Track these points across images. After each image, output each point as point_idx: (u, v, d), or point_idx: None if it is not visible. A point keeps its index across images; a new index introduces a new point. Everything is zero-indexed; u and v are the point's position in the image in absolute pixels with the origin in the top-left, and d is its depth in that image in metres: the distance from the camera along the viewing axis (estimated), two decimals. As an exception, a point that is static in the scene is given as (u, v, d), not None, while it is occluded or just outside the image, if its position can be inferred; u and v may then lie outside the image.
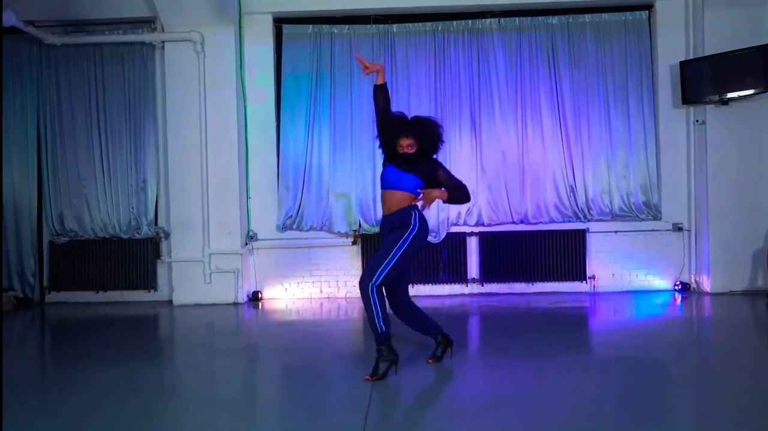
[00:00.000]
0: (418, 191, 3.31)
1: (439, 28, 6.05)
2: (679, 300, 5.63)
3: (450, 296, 6.03)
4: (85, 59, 6.01)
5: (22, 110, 6.03)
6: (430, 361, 3.49)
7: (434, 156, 3.41)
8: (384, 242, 3.31)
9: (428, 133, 3.33)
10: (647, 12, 5.99)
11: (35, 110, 6.04)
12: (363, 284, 3.18)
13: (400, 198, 3.34)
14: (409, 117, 3.41)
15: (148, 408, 3.00)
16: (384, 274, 3.16)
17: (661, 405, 2.82)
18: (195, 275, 5.81)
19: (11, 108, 6.01)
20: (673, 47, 5.88)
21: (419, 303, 5.62)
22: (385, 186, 3.40)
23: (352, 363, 3.65)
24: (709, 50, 5.55)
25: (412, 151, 3.30)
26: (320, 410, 2.88)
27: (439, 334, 3.56)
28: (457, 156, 5.99)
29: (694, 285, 5.91)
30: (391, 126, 3.35)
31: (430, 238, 5.91)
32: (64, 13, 5.87)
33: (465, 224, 6.03)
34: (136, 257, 6.06)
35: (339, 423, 2.71)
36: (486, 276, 6.01)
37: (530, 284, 6.02)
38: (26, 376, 3.68)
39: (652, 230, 5.97)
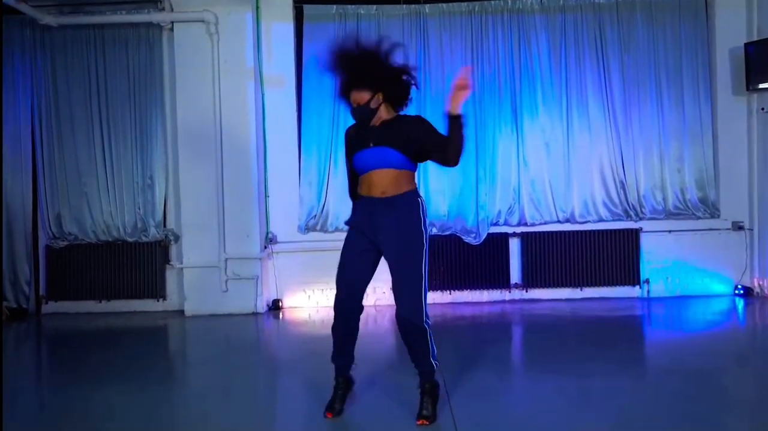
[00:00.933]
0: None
1: (476, 9, 5.51)
2: (742, 306, 5.15)
3: (490, 302, 5.52)
4: (85, 43, 5.41)
5: (14, 100, 5.42)
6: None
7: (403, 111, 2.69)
8: (403, 254, 2.58)
9: (384, 76, 2.57)
10: (704, -10, 5.50)
11: (29, 100, 5.44)
12: (418, 320, 2.52)
13: (396, 176, 2.61)
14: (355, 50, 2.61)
15: None
16: (427, 298, 2.59)
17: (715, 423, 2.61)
18: (210, 283, 5.26)
19: (3, 98, 5.42)
20: (733, 29, 5.38)
21: (457, 311, 5.28)
22: (368, 168, 2.64)
23: (393, 382, 3.22)
24: (776, 31, 5.06)
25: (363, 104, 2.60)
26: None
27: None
28: (497, 150, 5.48)
29: (757, 290, 5.43)
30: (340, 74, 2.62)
31: (469, 239, 5.42)
32: (60, -9, 5.30)
33: (506, 223, 5.51)
34: (143, 262, 5.50)
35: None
36: (529, 281, 5.50)
37: (578, 290, 5.52)
38: (22, 399, 3.26)
39: (710, 230, 5.48)
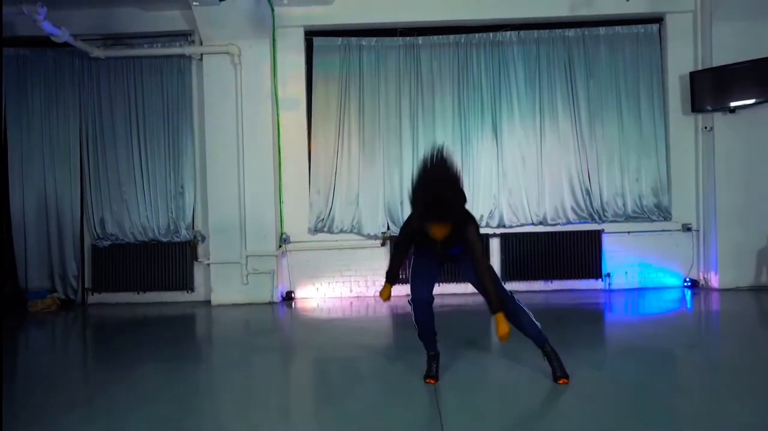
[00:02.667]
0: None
1: (462, 41, 6.38)
2: (689, 296, 5.98)
3: (474, 293, 6.29)
4: (125, 71, 6.29)
5: (65, 120, 6.31)
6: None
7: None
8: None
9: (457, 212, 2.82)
10: (658, 25, 6.35)
11: (78, 120, 6.32)
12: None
13: None
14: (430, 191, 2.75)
15: (191, 403, 3.13)
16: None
17: (670, 393, 3.05)
18: (233, 276, 6.12)
19: (55, 118, 6.29)
20: (682, 58, 6.24)
21: (445, 301, 6.07)
22: None
23: (392, 358, 3.86)
24: (717, 61, 5.92)
25: (442, 237, 2.84)
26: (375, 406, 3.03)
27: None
28: (479, 162, 6.34)
29: (702, 282, 6.28)
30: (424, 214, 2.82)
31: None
32: (104, 27, 6.15)
33: (488, 226, 6.35)
34: (175, 259, 6.35)
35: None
36: (507, 275, 6.34)
37: (549, 282, 6.37)
38: (69, 373, 3.84)
39: (663, 231, 6.33)
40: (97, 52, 5.95)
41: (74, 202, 6.33)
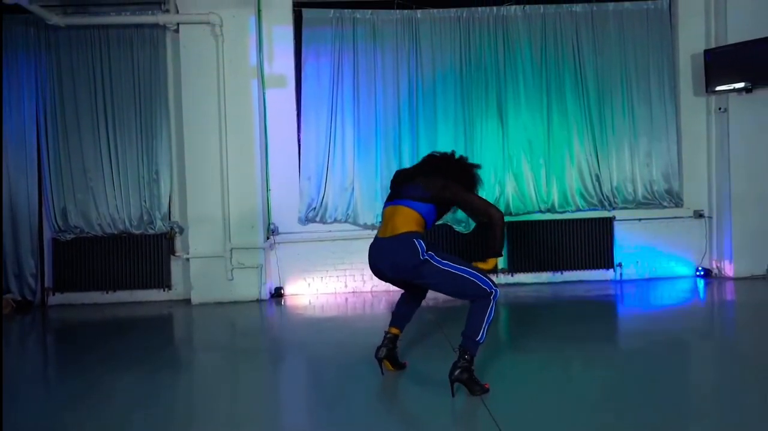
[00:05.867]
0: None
1: (464, 15, 5.92)
2: (702, 286, 5.70)
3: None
4: (89, 42, 5.60)
5: (18, 98, 5.57)
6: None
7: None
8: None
9: None
10: (668, 1, 6.03)
11: (33, 98, 5.60)
12: None
13: None
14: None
15: (174, 420, 2.73)
16: None
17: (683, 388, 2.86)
18: (216, 272, 5.51)
19: (6, 95, 5.53)
20: (693, 36, 5.94)
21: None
22: None
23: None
24: (731, 39, 5.63)
25: None
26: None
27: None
28: (484, 145, 5.90)
29: (715, 271, 6.01)
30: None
31: (459, 228, 5.84)
32: (64, -9, 5.45)
33: (493, 213, 5.93)
34: (149, 253, 5.72)
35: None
36: (514, 266, 5.95)
37: (558, 273, 5.99)
38: (33, 392, 3.22)
39: (675, 218, 6.04)
40: (56, 20, 5.22)
41: (31, 191, 5.61)
